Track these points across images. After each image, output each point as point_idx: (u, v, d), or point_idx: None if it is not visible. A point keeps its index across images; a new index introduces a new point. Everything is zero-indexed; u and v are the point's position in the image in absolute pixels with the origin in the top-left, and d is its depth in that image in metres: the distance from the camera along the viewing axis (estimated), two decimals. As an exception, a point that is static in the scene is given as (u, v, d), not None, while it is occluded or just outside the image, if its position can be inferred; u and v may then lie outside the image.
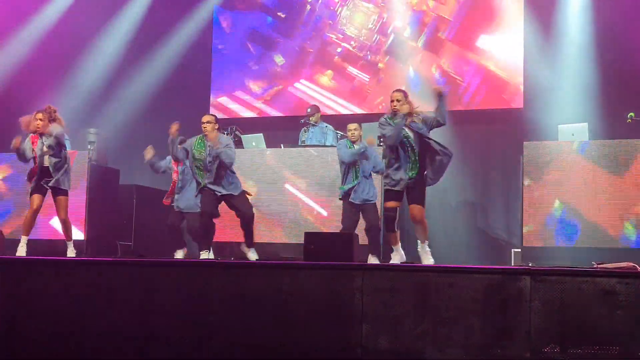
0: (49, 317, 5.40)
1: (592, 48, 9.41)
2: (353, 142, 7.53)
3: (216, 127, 7.25)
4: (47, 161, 7.17)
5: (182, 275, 5.31)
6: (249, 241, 7.28)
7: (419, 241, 6.52)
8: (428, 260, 6.40)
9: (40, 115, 7.20)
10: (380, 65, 10.49)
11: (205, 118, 7.31)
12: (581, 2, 9.61)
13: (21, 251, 7.00)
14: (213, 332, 5.05)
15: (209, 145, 7.16)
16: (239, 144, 8.96)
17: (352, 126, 7.59)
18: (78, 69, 10.93)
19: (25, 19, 10.78)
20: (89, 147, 9.16)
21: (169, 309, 5.21)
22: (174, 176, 8.10)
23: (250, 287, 5.06)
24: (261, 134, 8.96)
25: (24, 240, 7.05)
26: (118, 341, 5.23)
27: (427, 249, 6.48)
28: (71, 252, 7.23)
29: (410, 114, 6.39)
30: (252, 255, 7.23)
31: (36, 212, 7.17)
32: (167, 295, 5.25)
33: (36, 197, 7.15)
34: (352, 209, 7.38)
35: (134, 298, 5.30)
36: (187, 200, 7.89)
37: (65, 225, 7.26)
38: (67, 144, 7.62)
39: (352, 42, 10.66)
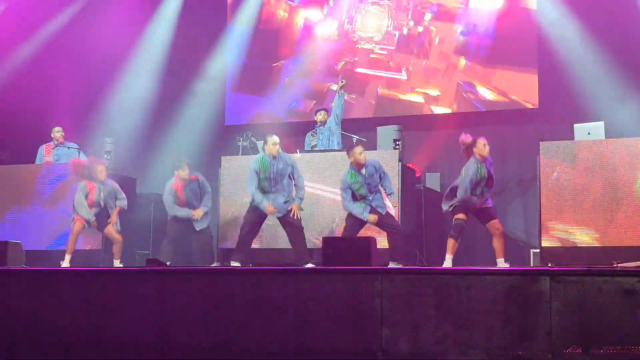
0: (68, 327, 5.45)
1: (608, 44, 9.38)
2: (359, 167, 7.49)
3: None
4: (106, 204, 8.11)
5: (202, 282, 5.34)
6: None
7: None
8: None
9: (101, 167, 7.99)
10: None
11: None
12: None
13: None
14: (234, 338, 5.06)
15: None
16: (254, 150, 9.01)
17: (358, 149, 7.43)
18: (96, 79, 11.03)
19: (39, 27, 10.89)
20: (105, 156, 9.24)
21: (189, 315, 5.23)
22: None
23: (270, 292, 5.08)
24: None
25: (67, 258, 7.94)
26: (139, 348, 5.26)
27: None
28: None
29: None
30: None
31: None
32: (186, 302, 5.28)
33: (80, 225, 8.07)
34: (356, 220, 7.43)
35: (153, 306, 5.34)
36: None
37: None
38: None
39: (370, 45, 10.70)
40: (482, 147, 7.28)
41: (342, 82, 9.06)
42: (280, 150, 7.68)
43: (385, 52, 10.61)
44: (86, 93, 10.78)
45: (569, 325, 4.34)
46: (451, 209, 7.35)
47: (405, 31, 10.50)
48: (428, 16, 10.44)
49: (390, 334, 4.69)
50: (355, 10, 10.80)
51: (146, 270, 5.93)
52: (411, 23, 10.51)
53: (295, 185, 7.72)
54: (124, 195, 8.22)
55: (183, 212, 8.08)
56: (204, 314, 5.20)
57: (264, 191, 7.63)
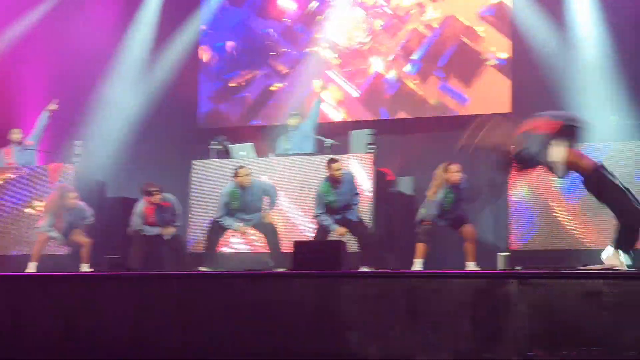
0: (35, 332, 5.39)
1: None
2: (336, 183, 7.49)
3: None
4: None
5: (173, 286, 5.33)
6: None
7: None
8: None
9: (72, 195, 8.06)
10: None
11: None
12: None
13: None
14: (205, 342, 5.05)
15: None
16: (227, 154, 8.98)
17: (336, 165, 7.47)
18: (67, 80, 10.91)
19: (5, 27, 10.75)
20: (74, 159, 9.13)
21: (158, 320, 5.21)
22: None
23: (239, 297, 5.07)
24: (252, 144, 8.97)
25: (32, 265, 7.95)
26: (109, 348, 5.22)
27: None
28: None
29: None
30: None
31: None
32: (157, 306, 5.25)
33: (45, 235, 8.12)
34: (324, 228, 7.48)
35: (125, 311, 5.30)
36: None
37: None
38: None
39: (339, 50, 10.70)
40: (452, 173, 7.29)
41: (320, 83, 9.10)
42: (252, 180, 7.66)
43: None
44: (55, 95, 10.63)
45: (535, 328, 4.38)
46: (418, 228, 7.50)
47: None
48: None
49: (359, 337, 4.70)
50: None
51: (115, 274, 5.89)
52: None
53: (270, 200, 7.77)
54: (90, 214, 8.22)
55: (152, 230, 8.04)
56: (174, 318, 5.17)
57: (231, 215, 7.71)
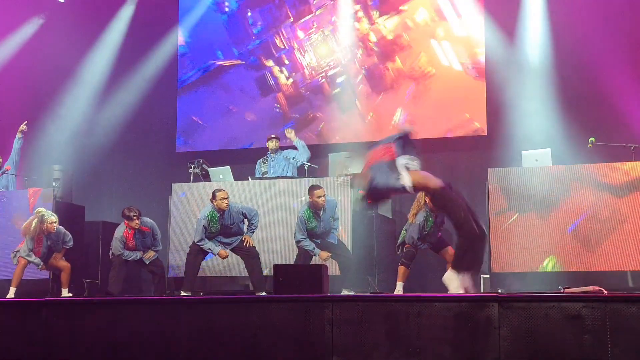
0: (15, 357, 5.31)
1: (553, 72, 9.60)
2: (318, 209, 7.50)
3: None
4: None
5: (149, 311, 5.27)
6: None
7: None
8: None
9: (52, 219, 7.94)
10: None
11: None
12: (541, 26, 9.80)
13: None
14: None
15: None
16: (205, 177, 8.96)
17: (319, 192, 7.47)
18: (43, 105, 10.84)
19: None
20: (53, 184, 9.07)
21: (136, 346, 5.15)
22: None
23: (219, 321, 5.03)
24: (228, 167, 8.96)
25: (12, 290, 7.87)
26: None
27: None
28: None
29: None
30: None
31: None
32: (134, 331, 5.20)
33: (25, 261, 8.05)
34: (306, 252, 7.48)
35: (102, 335, 5.24)
36: None
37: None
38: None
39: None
40: None
41: (291, 132, 9.19)
42: (231, 204, 7.64)
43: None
44: (32, 118, 10.58)
45: (517, 351, 4.37)
46: (399, 251, 7.51)
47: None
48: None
49: (340, 362, 4.67)
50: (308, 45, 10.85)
51: (95, 300, 5.82)
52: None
53: (249, 223, 7.73)
54: (70, 238, 8.17)
55: (132, 255, 7.97)
56: (153, 343, 5.12)
57: (210, 238, 7.67)
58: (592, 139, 7.70)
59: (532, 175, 7.76)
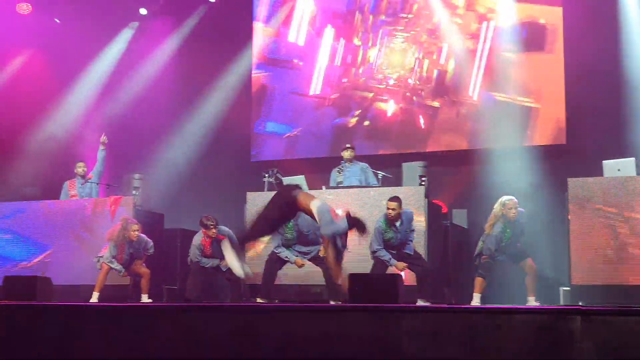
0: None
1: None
2: (394, 221, 7.42)
3: None
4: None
5: (228, 319, 5.33)
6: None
7: None
8: None
9: (136, 227, 8.21)
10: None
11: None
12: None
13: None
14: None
15: None
16: (279, 186, 9.02)
17: (390, 204, 7.37)
18: (124, 114, 11.17)
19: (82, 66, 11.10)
20: (133, 192, 9.32)
21: (214, 353, 5.21)
22: None
23: (295, 330, 5.04)
24: (302, 176, 8.99)
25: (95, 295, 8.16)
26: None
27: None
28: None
29: None
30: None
31: None
32: (213, 338, 5.26)
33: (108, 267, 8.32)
34: (382, 263, 7.41)
35: (180, 340, 5.32)
36: None
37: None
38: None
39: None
40: (509, 209, 7.21)
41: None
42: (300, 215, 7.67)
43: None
44: (113, 128, 10.92)
45: (600, 366, 4.25)
46: (476, 262, 7.42)
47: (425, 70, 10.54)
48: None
49: (417, 373, 4.62)
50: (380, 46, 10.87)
51: (173, 306, 5.92)
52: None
53: None
54: (151, 245, 8.39)
55: (210, 262, 8.13)
56: (229, 350, 5.17)
57: (287, 245, 7.69)
58: None
59: (614, 185, 7.53)
